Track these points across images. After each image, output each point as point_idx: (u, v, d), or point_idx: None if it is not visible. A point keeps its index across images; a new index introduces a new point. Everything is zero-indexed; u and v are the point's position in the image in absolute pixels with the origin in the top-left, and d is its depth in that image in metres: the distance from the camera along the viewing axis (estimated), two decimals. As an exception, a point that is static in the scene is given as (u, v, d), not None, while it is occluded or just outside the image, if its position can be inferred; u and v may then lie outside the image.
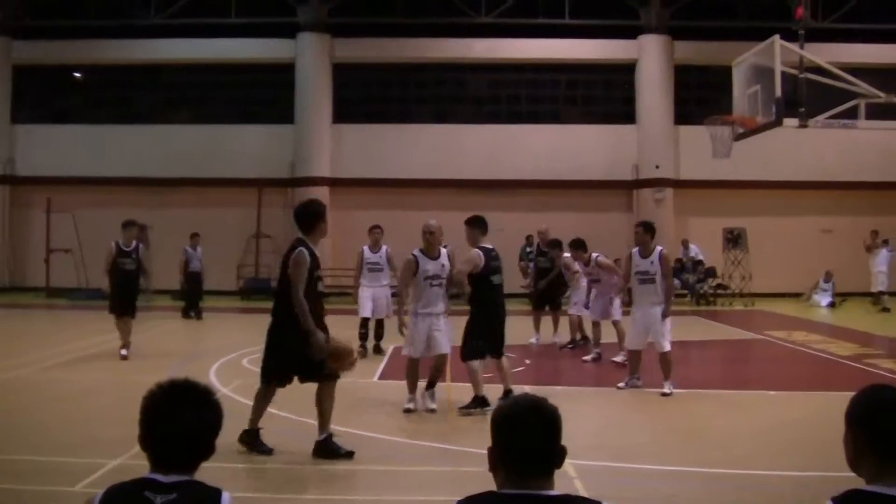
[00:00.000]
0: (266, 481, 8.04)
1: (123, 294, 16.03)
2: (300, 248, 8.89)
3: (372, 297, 16.76)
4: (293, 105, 33.50)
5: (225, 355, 16.06)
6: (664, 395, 12.34)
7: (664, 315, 12.63)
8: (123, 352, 15.77)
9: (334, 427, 9.15)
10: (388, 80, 34.90)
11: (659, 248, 13.12)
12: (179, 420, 2.97)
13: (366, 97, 34.90)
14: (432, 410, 11.12)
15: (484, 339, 11.14)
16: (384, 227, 17.56)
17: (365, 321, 16.85)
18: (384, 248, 17.05)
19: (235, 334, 21.15)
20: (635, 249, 13.25)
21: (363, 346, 16.40)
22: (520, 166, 32.84)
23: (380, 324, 16.93)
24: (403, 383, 11.26)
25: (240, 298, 31.12)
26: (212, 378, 13.27)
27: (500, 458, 2.89)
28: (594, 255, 16.24)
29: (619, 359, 15.34)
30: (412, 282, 11.24)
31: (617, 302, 16.29)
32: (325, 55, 33.52)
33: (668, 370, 12.59)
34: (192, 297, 24.83)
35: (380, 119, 34.15)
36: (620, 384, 12.98)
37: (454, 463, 8.72)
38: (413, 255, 11.27)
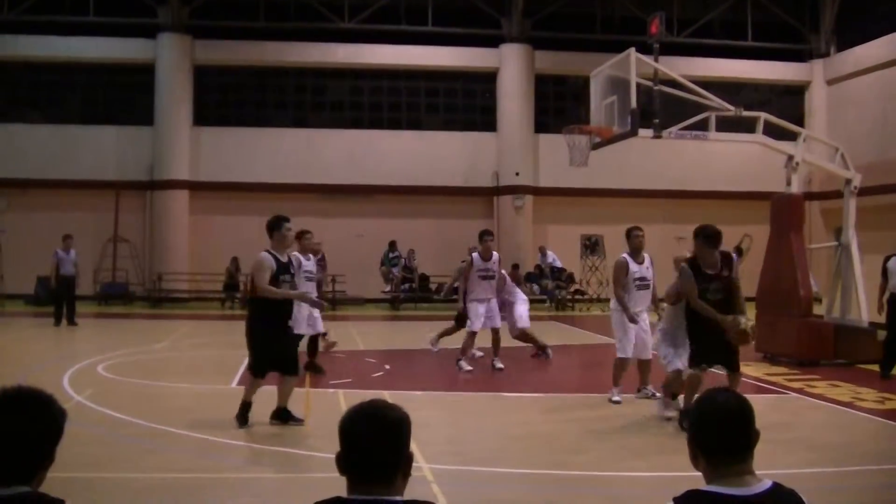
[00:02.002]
0: (116, 492, 7.88)
1: None
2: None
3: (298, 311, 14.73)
4: (152, 107, 32.84)
5: (79, 362, 15.61)
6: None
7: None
8: None
9: (186, 433, 9.12)
10: (249, 84, 34.52)
11: (646, 254, 12.77)
12: (9, 429, 2.86)
13: (226, 100, 34.47)
14: None
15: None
16: (241, 231, 16.98)
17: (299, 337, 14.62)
18: (311, 255, 14.81)
19: (91, 340, 20.64)
20: (625, 255, 12.74)
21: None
22: (380, 172, 32.92)
23: (313, 340, 14.85)
24: (260, 389, 11.11)
25: (97, 304, 30.33)
26: (65, 386, 12.90)
27: (343, 464, 2.91)
28: (495, 253, 15.63)
29: (500, 364, 15.31)
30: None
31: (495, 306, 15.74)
32: (185, 57, 32.97)
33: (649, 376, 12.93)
34: (62, 302, 22.92)
35: (240, 123, 33.79)
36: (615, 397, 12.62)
37: (305, 469, 8.76)
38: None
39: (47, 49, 32.51)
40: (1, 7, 32.17)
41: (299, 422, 10.58)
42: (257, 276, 10.38)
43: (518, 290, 17.15)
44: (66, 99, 33.83)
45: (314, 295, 13.88)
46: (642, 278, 12.67)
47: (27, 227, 30.63)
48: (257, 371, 10.43)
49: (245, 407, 10.40)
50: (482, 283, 15.35)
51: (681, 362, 10.93)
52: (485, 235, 15.54)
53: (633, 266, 12.66)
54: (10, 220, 31.34)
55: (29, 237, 29.75)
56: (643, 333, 12.70)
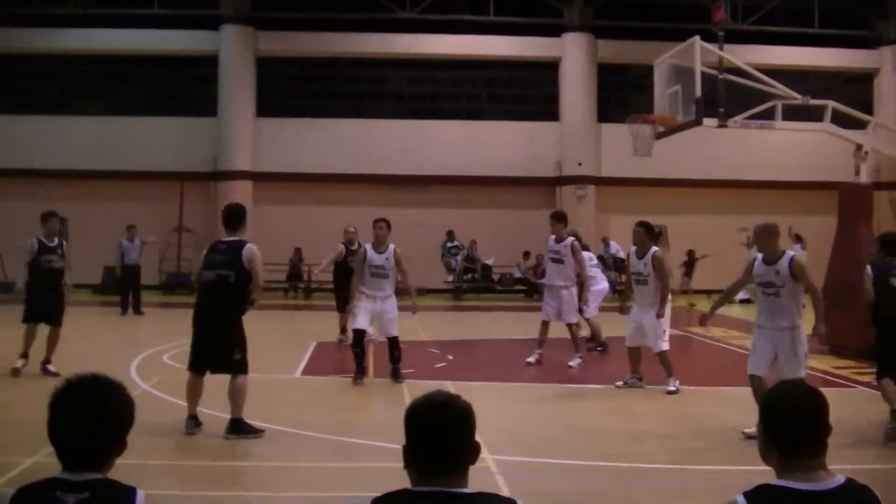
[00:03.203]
0: (184, 479, 7.97)
1: (44, 296, 13.31)
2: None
3: (372, 310, 13.24)
4: (216, 98, 33.14)
5: (145, 351, 15.83)
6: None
7: (658, 315, 12.69)
8: (51, 366, 13.03)
9: (250, 422, 9.29)
10: (310, 75, 34.71)
11: (654, 248, 12.87)
12: (82, 416, 2.89)
13: (288, 91, 34.68)
14: None
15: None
16: (303, 222, 16.72)
17: (358, 335, 13.15)
18: (391, 247, 13.49)
19: (157, 329, 20.87)
20: (632, 249, 13.08)
21: (361, 369, 13.12)
22: (440, 162, 32.91)
23: (394, 343, 13.20)
24: (325, 379, 11.17)
25: (161, 293, 30.71)
26: (132, 374, 13.07)
27: (410, 456, 2.90)
28: (570, 237, 15.09)
29: (574, 363, 14.97)
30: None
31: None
32: (248, 48, 33.23)
33: (669, 369, 12.71)
34: (127, 291, 23.78)
35: (302, 113, 33.96)
36: (619, 382, 12.94)
37: (357, 458, 8.80)
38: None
39: (113, 42, 32.90)
40: (68, 1, 32.62)
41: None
42: (261, 273, 10.14)
43: (599, 275, 17.16)
44: (130, 91, 34.31)
45: (388, 290, 13.34)
46: (638, 273, 12.88)
47: (94, 217, 31.00)
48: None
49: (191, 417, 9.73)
50: (551, 265, 15.16)
51: (760, 367, 9.80)
52: (551, 217, 15.27)
53: (632, 259, 13.03)
54: (77, 210, 31.72)
55: (96, 227, 30.12)
56: (642, 325, 12.76)
